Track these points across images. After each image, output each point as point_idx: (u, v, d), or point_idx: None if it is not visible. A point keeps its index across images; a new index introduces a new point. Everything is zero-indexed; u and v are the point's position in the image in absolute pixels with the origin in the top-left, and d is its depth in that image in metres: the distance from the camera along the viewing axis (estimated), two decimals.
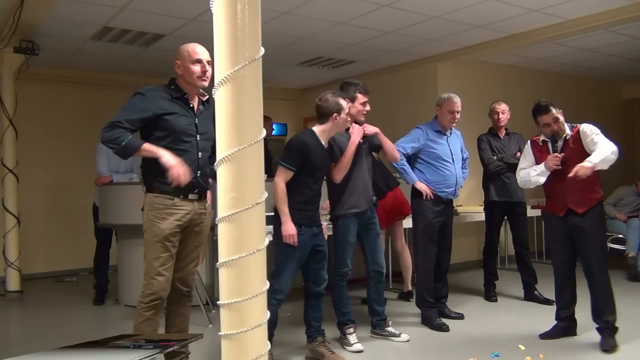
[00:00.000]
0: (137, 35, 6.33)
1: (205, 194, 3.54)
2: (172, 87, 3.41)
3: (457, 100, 4.84)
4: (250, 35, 1.90)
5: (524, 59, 7.90)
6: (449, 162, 4.82)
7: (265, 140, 6.48)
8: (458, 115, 4.85)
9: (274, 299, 3.73)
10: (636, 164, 10.06)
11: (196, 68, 3.34)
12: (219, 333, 1.95)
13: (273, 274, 3.79)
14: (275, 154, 10.41)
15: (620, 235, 6.93)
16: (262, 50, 1.92)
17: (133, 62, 7.53)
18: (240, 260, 1.90)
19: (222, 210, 1.93)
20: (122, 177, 5.83)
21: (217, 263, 1.96)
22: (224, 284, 1.94)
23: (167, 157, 3.17)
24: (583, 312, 4.36)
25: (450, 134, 4.92)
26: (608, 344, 4.07)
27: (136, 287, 3.94)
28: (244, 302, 1.90)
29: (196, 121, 3.41)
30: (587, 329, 4.37)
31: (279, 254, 3.81)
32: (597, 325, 4.19)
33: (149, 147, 3.22)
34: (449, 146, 4.86)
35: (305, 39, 6.60)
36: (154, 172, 3.29)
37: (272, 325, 3.74)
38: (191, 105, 3.43)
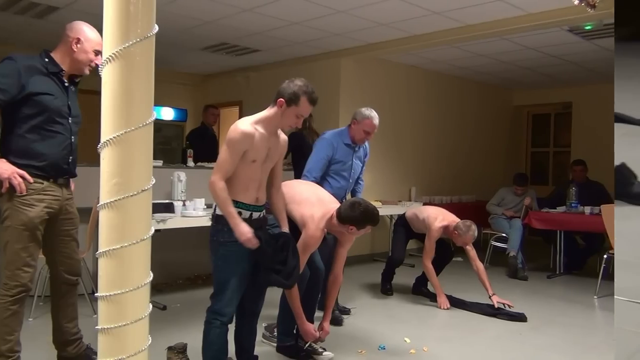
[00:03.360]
0: (29, 6, 5.92)
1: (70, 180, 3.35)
2: (47, 59, 3.14)
3: (377, 122, 4.51)
4: (144, 10, 1.79)
5: (425, 60, 8.11)
6: (345, 176, 4.55)
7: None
8: (371, 137, 4.57)
9: (217, 320, 3.13)
10: (519, 166, 10.64)
11: (92, 56, 3.19)
12: (96, 327, 1.83)
13: (214, 293, 3.16)
14: (173, 140, 10.12)
15: (504, 235, 7.28)
16: (156, 28, 1.82)
17: (25, 34, 7.05)
18: (123, 250, 1.79)
19: (104, 196, 1.81)
20: None
21: (97, 252, 1.84)
22: (103, 274, 1.82)
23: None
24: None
25: (359, 148, 4.64)
26: None
27: None
28: (125, 295, 1.79)
29: (69, 102, 3.20)
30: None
31: (217, 268, 3.14)
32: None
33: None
34: (352, 162, 4.59)
35: (209, 23, 6.43)
36: (20, 152, 3.03)
37: (222, 352, 3.19)
38: (65, 85, 3.21)
